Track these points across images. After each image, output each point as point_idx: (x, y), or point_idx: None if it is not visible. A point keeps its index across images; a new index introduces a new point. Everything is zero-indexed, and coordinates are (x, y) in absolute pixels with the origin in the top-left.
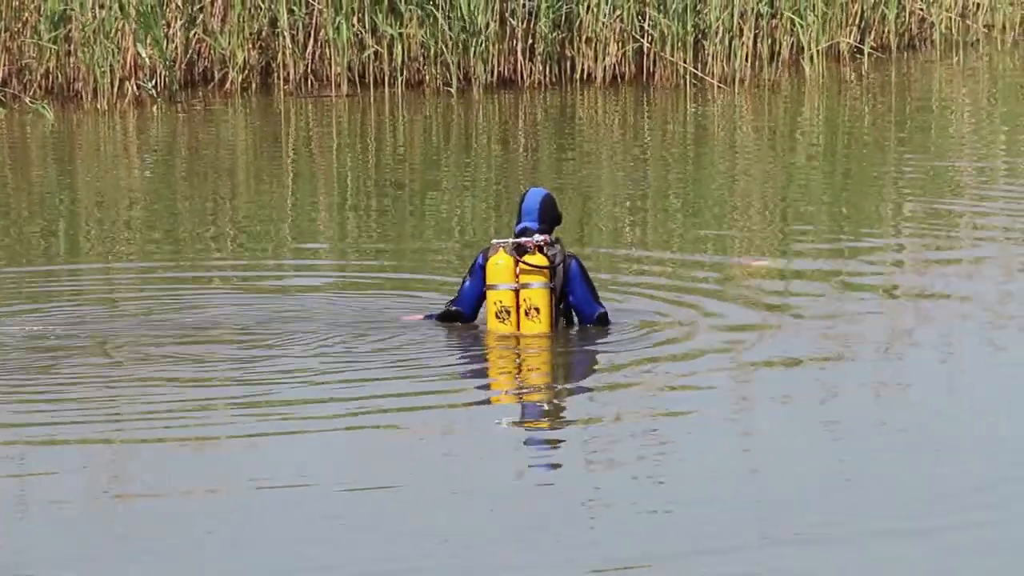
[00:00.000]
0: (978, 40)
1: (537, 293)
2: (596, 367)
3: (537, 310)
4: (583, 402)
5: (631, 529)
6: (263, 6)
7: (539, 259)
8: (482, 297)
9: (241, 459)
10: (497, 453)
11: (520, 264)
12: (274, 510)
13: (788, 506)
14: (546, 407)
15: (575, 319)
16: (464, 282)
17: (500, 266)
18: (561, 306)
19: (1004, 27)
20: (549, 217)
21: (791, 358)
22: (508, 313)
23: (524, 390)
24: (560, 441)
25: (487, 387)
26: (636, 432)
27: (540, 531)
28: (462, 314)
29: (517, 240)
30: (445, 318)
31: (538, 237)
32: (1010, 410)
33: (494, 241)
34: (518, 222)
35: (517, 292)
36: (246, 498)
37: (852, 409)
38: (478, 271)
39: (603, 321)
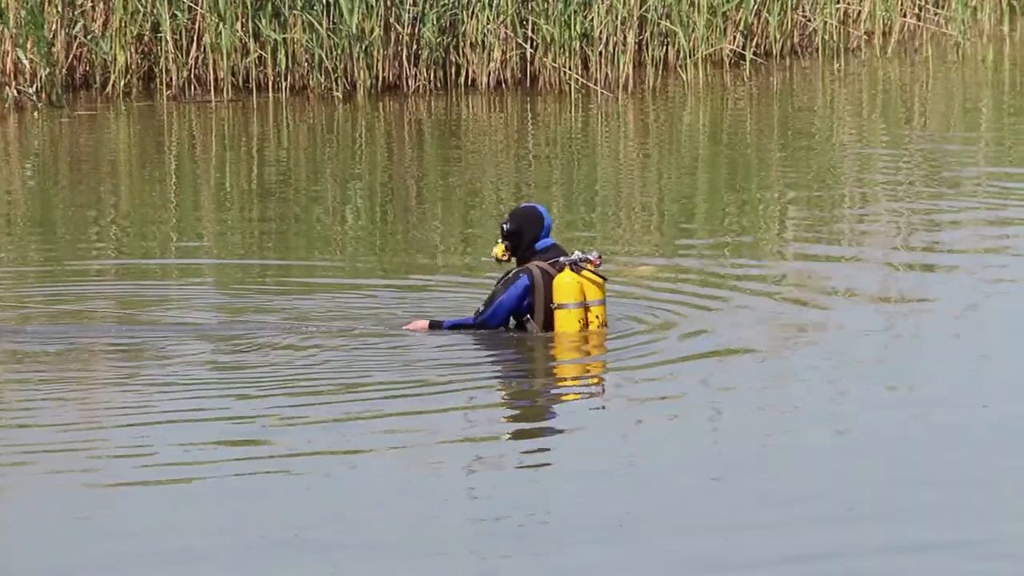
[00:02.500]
0: (859, 46)
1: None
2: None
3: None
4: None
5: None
6: (145, 10)
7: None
8: (514, 312)
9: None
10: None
11: (594, 281)
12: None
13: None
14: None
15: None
16: (498, 297)
17: (579, 285)
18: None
19: (884, 33)
20: None
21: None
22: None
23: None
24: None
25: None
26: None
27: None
28: (490, 327)
29: (586, 258)
30: (480, 327)
31: (580, 254)
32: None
33: (564, 259)
34: (539, 239)
35: (587, 308)
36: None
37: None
38: (529, 287)
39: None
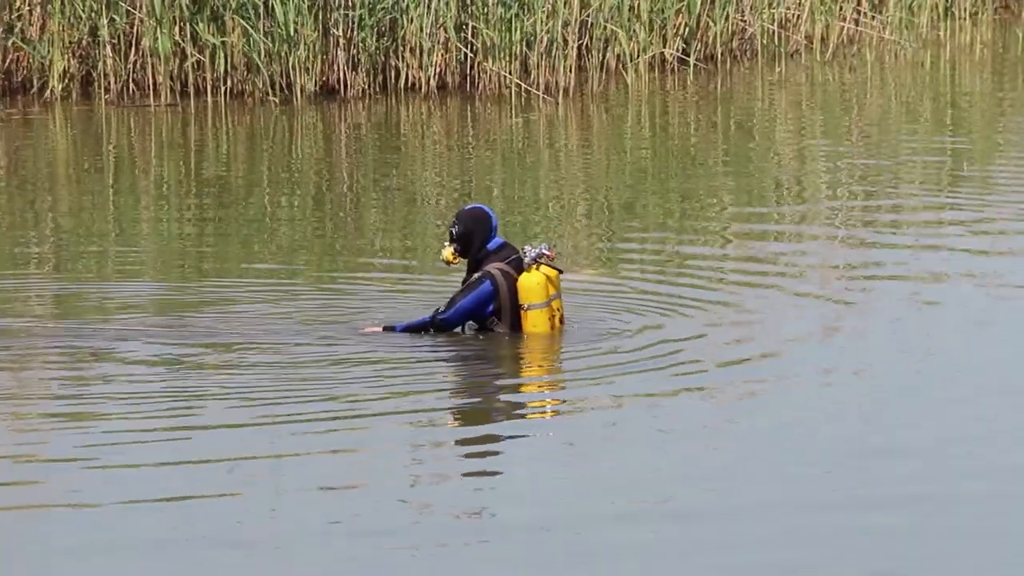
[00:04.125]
0: (798, 51)
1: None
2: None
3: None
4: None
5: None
6: (83, 15)
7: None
8: (473, 316)
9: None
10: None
11: (551, 276)
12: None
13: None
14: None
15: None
16: (461, 299)
17: (546, 282)
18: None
19: (823, 38)
20: None
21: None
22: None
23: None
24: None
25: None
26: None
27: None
28: (447, 328)
29: (542, 253)
30: (437, 328)
31: (531, 248)
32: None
33: (527, 260)
34: (490, 239)
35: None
36: None
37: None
38: (492, 292)
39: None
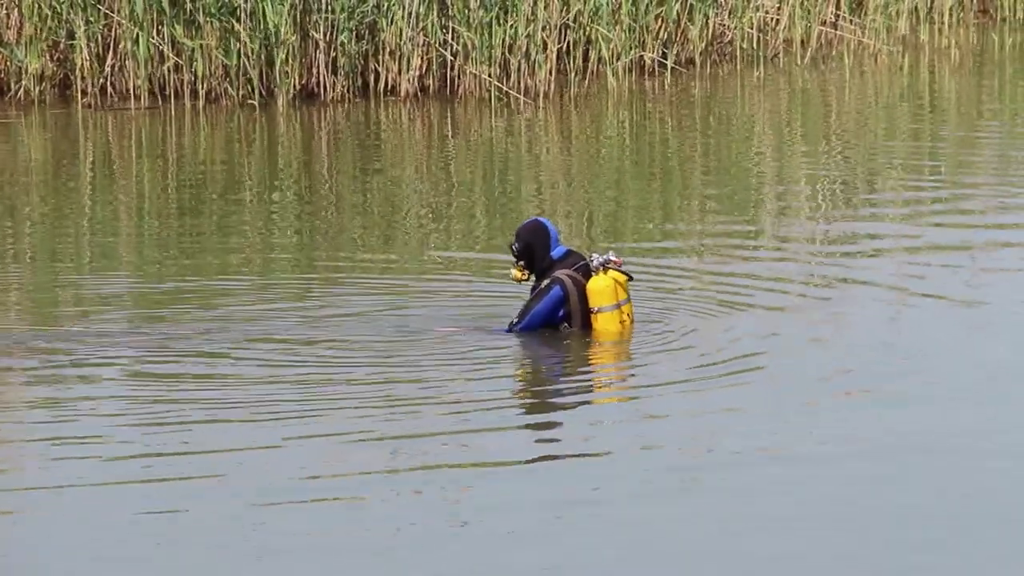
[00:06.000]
0: (777, 55)
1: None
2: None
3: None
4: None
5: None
6: (61, 18)
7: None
8: (546, 322)
9: None
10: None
11: (620, 281)
12: None
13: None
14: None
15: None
16: (533, 307)
17: (615, 285)
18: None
19: (802, 42)
20: None
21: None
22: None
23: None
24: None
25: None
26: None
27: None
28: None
29: (609, 260)
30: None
31: (598, 256)
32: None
33: (594, 264)
34: (552, 248)
35: (619, 307)
36: None
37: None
38: (563, 297)
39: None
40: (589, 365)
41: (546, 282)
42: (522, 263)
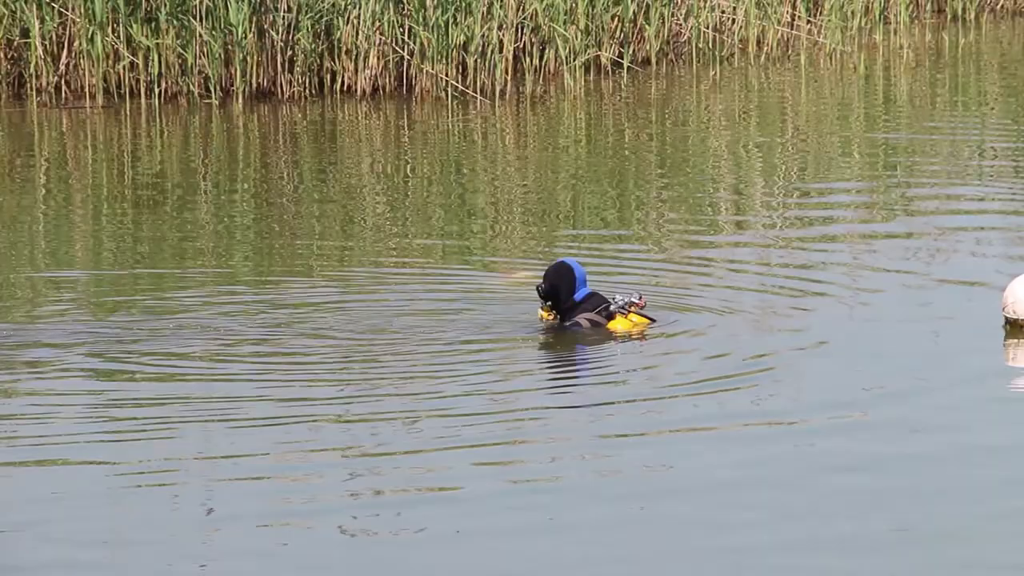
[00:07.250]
0: (733, 55)
1: None
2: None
3: None
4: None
5: None
6: (15, 15)
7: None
8: None
9: None
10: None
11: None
12: None
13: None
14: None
15: None
16: None
17: (636, 327)
18: None
19: (758, 42)
20: None
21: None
22: None
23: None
24: None
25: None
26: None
27: None
28: None
29: (631, 302)
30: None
31: (621, 298)
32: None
33: (614, 307)
34: (575, 291)
35: None
36: None
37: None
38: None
39: None
40: (590, 366)
41: (567, 325)
42: (547, 303)
